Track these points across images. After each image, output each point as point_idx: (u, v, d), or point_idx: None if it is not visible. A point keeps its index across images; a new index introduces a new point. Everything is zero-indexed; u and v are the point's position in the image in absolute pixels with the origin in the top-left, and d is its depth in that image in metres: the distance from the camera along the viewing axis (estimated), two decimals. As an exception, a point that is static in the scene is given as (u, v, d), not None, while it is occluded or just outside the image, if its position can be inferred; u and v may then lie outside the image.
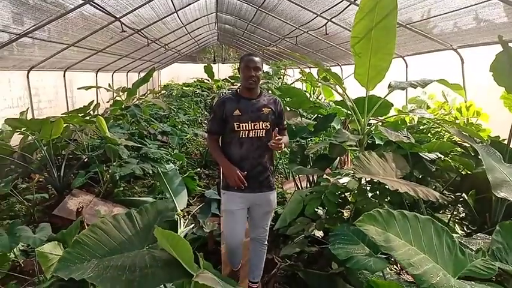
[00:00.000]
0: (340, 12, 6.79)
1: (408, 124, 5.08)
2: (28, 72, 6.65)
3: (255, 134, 2.58)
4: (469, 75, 5.65)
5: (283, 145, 2.51)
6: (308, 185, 4.21)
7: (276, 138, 2.50)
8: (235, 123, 2.56)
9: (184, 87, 13.86)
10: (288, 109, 4.81)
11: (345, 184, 3.02)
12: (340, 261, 2.09)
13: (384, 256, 1.99)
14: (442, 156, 3.45)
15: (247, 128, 2.57)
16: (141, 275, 1.84)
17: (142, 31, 8.35)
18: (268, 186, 2.68)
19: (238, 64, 2.71)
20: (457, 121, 4.90)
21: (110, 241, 2.03)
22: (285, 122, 2.84)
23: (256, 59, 2.60)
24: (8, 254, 2.79)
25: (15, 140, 5.23)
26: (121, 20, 6.68)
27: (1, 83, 5.91)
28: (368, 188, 3.11)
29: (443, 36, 5.70)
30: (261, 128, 2.59)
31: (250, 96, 2.64)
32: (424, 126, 5.00)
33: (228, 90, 11.94)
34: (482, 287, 1.30)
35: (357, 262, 1.86)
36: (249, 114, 2.58)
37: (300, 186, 4.36)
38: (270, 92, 7.55)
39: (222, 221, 2.71)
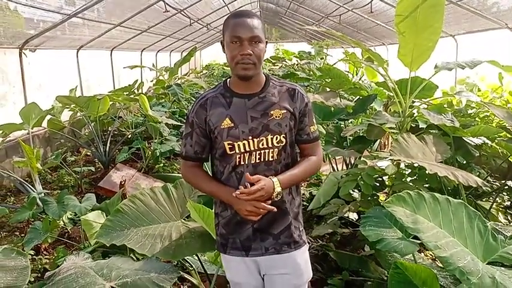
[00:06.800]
0: (386, -11, 6.50)
1: (455, 107, 4.84)
2: (78, 51, 6.99)
3: (260, 158, 1.51)
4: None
5: (268, 192, 1.43)
6: (345, 168, 4.16)
7: (252, 186, 1.42)
8: (226, 143, 1.51)
9: (225, 67, 14.01)
10: (328, 90, 4.73)
11: (383, 168, 2.95)
12: (370, 243, 2.07)
13: (417, 241, 1.96)
14: (489, 142, 3.28)
15: (246, 149, 1.51)
16: (176, 244, 1.95)
17: (184, 11, 8.45)
18: (292, 242, 1.59)
19: (222, 32, 1.54)
20: (508, 105, 4.60)
21: (147, 211, 2.16)
22: (316, 128, 1.64)
23: (251, 21, 1.44)
24: (58, 221, 3.01)
25: (66, 116, 5.55)
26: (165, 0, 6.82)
27: (54, 62, 6.26)
28: (407, 173, 3.03)
29: (498, 14, 5.31)
30: (270, 145, 1.51)
31: (248, 91, 1.53)
32: (473, 110, 4.74)
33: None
34: (513, 273, 1.26)
35: (387, 244, 1.83)
36: (249, 124, 1.51)
37: (335, 169, 4.32)
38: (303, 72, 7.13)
39: None
